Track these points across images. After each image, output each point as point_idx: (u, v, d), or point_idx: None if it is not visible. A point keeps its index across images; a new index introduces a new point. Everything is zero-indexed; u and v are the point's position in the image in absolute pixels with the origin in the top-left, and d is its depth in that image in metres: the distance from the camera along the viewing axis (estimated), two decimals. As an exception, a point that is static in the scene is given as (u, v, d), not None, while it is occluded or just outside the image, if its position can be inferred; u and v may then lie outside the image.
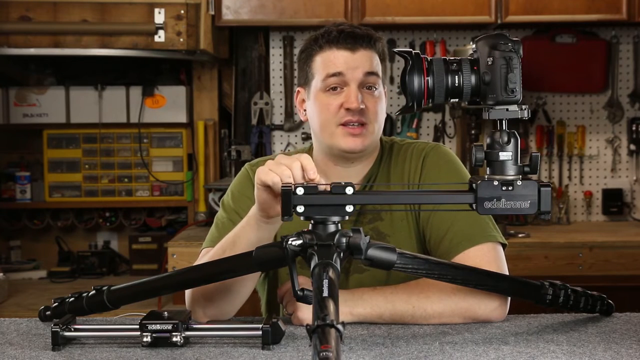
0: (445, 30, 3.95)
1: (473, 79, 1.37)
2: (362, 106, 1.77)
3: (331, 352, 1.11)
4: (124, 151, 3.95)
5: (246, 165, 1.94)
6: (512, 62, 1.34)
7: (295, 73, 3.74)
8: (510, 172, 1.37)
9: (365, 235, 1.45)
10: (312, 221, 1.44)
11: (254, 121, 3.98)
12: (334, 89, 1.80)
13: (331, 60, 1.80)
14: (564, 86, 3.96)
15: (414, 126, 3.98)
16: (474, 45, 1.39)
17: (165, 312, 1.55)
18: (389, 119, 3.98)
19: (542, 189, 1.37)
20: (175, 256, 3.37)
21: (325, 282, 1.27)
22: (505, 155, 1.37)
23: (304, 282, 1.48)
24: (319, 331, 1.15)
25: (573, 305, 1.64)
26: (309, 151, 1.92)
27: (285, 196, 1.40)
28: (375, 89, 1.81)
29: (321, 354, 1.11)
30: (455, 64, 1.37)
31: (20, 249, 4.06)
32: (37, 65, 3.99)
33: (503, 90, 1.35)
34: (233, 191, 1.90)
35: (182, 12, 3.41)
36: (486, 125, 3.90)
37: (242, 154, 3.81)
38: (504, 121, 1.37)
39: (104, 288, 1.64)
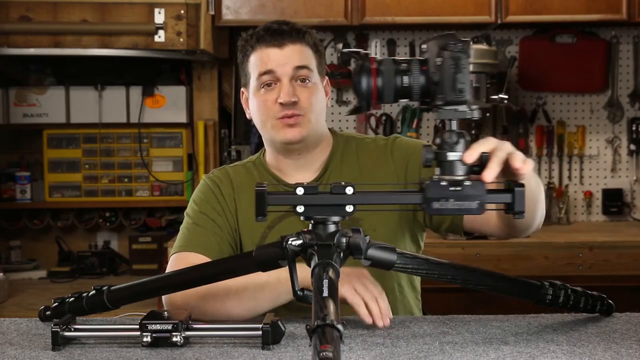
0: (445, 30, 3.94)
1: (422, 79, 1.37)
2: (294, 99, 1.84)
3: (331, 352, 1.11)
4: (124, 151, 3.95)
5: (204, 177, 2.00)
6: (460, 62, 1.32)
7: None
8: (459, 172, 1.35)
9: (365, 235, 1.45)
10: (312, 221, 1.44)
11: (254, 121, 3.97)
12: (269, 85, 1.87)
13: (262, 59, 1.87)
14: (564, 86, 3.96)
15: (414, 126, 3.98)
16: (424, 46, 1.38)
17: (165, 312, 1.55)
18: (388, 119, 3.98)
19: (516, 189, 1.36)
20: (175, 256, 3.36)
21: (325, 282, 1.27)
22: (454, 156, 1.36)
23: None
24: (319, 331, 1.15)
25: (573, 305, 1.64)
26: (262, 156, 1.99)
27: (259, 197, 1.40)
28: (309, 81, 1.87)
29: (321, 354, 1.11)
30: (404, 64, 1.37)
31: (20, 249, 4.05)
32: (37, 65, 3.99)
33: (451, 91, 1.34)
34: (195, 200, 1.95)
35: (182, 12, 3.40)
36: (486, 125, 3.90)
37: (242, 154, 3.81)
38: (453, 121, 1.37)
39: (104, 288, 1.64)
